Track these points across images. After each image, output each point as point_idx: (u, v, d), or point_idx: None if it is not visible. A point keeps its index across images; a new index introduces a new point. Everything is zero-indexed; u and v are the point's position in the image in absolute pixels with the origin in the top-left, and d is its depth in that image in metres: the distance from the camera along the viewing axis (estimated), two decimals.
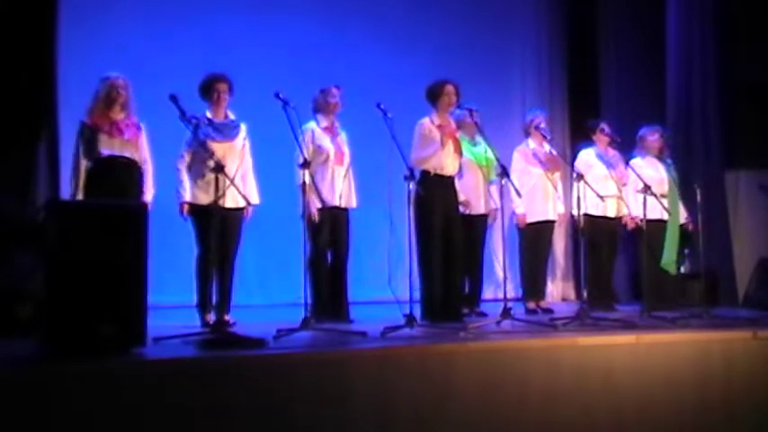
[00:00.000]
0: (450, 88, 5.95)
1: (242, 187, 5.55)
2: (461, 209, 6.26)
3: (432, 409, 4.25)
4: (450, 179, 5.95)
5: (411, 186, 5.31)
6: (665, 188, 7.00)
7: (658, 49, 8.19)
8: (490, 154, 6.09)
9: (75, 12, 6.85)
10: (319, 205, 5.65)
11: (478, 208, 6.59)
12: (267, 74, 7.11)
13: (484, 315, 6.41)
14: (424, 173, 5.86)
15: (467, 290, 6.62)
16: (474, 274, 6.73)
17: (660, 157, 7.23)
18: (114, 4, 7.31)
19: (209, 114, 5.64)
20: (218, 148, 5.47)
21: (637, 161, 7.00)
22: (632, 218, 6.92)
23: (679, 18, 8.08)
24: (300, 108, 5.37)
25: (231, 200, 5.50)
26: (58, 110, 6.46)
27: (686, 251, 7.41)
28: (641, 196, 6.24)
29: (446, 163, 5.90)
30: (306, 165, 5.19)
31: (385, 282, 5.56)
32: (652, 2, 8.28)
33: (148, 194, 5.50)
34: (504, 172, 5.69)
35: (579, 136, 7.81)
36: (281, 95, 5.16)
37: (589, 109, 8.29)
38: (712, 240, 7.21)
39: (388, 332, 4.88)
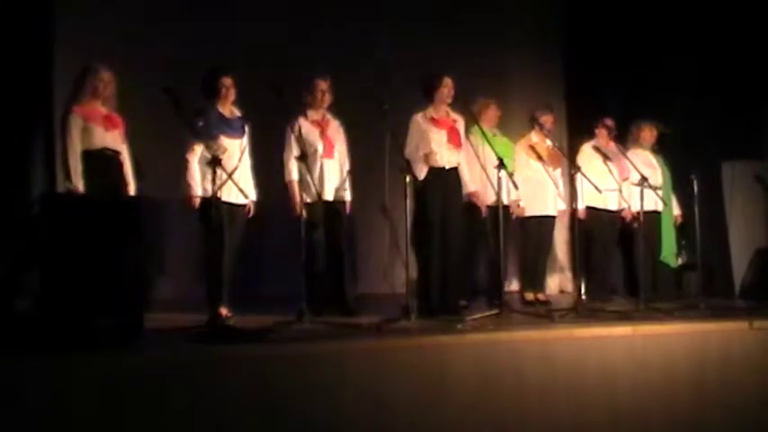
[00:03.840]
0: (447, 80, 5.90)
1: (244, 183, 5.56)
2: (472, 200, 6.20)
3: (428, 401, 4.25)
4: (449, 171, 5.89)
5: (408, 179, 5.28)
6: (659, 180, 7.00)
7: (656, 42, 8.17)
8: (510, 144, 5.92)
9: (72, 3, 6.83)
10: (309, 200, 5.62)
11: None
12: (265, 69, 7.08)
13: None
14: None
15: (485, 283, 6.51)
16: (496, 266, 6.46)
17: (654, 150, 7.23)
18: None
19: (219, 109, 5.57)
20: (229, 144, 5.44)
21: (629, 154, 6.98)
22: (631, 212, 6.92)
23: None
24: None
25: (234, 195, 5.49)
26: (54, 103, 6.45)
27: (683, 243, 7.42)
28: (636, 189, 6.24)
29: (440, 156, 5.83)
30: (302, 158, 5.17)
31: (382, 274, 5.56)
32: None
33: (130, 188, 5.46)
34: (501, 164, 5.65)
35: (577, 132, 7.79)
36: (274, 86, 5.08)
37: (587, 105, 8.25)
38: (709, 231, 7.21)
39: (384, 324, 4.88)
